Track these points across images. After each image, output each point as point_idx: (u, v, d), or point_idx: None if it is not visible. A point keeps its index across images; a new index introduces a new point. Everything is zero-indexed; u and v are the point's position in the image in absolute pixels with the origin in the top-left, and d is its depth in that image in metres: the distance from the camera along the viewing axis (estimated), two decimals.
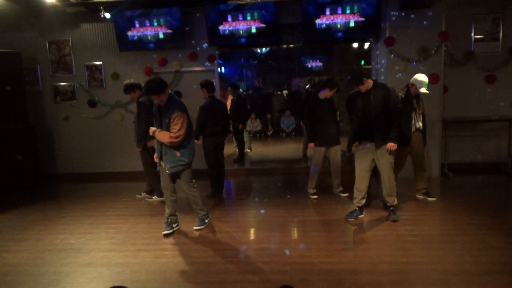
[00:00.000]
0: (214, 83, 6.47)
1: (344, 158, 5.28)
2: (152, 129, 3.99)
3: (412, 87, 4.51)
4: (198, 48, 6.56)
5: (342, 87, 9.80)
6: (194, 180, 4.17)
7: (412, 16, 5.85)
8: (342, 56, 12.60)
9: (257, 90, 12.06)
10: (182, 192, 4.27)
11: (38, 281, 3.25)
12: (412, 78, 4.53)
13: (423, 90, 4.40)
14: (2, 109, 6.11)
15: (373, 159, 4.20)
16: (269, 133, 11.19)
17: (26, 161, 6.35)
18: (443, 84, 5.99)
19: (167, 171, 3.95)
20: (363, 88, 4.08)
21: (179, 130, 3.79)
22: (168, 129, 3.84)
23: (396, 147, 4.03)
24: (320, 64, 13.77)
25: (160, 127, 3.94)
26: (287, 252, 3.60)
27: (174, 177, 4.07)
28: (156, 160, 4.12)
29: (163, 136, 3.85)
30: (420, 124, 4.66)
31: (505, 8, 6.03)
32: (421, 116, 4.68)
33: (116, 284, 3.15)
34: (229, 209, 5.14)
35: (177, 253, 3.69)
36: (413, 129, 4.62)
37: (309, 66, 13.87)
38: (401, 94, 4.52)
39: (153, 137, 4.10)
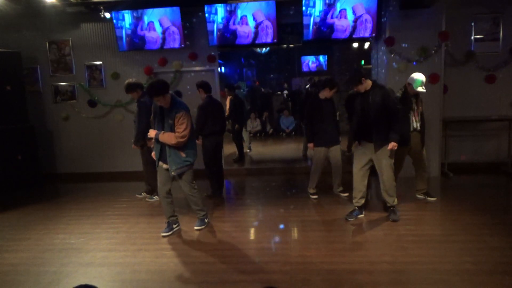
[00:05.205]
0: (215, 83, 6.51)
1: (344, 158, 5.27)
2: (153, 132, 3.91)
3: (409, 86, 4.51)
4: (198, 48, 6.56)
5: (342, 87, 9.83)
6: (194, 181, 4.17)
7: (412, 16, 5.84)
8: (342, 55, 12.62)
9: (254, 91, 12.01)
10: (181, 192, 4.27)
11: (38, 281, 3.25)
12: (409, 78, 4.53)
13: (420, 89, 4.39)
14: (2, 109, 6.11)
15: (370, 159, 4.20)
16: (270, 131, 11.20)
17: (26, 161, 6.35)
18: (443, 84, 5.98)
19: (173, 172, 3.92)
20: (361, 88, 4.07)
21: (184, 129, 3.77)
22: (172, 129, 3.82)
23: (397, 147, 4.03)
24: (320, 63, 13.78)
25: (162, 128, 3.90)
26: (287, 251, 3.60)
27: (175, 178, 4.06)
28: (154, 157, 4.11)
29: (168, 137, 3.81)
30: (418, 124, 4.65)
31: (505, 8, 6.03)
32: (419, 116, 4.66)
33: (116, 284, 3.16)
34: (229, 209, 5.14)
35: (177, 253, 3.69)
36: (411, 129, 4.61)
37: (309, 65, 13.87)
38: (398, 94, 4.51)
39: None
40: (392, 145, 4.00)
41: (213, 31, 6.20)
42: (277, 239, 3.95)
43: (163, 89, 3.72)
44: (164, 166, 3.98)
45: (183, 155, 3.90)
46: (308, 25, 5.95)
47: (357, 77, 4.04)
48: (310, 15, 5.89)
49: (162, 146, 3.94)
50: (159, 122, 3.94)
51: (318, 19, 5.90)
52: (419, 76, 4.41)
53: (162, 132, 3.87)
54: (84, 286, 1.54)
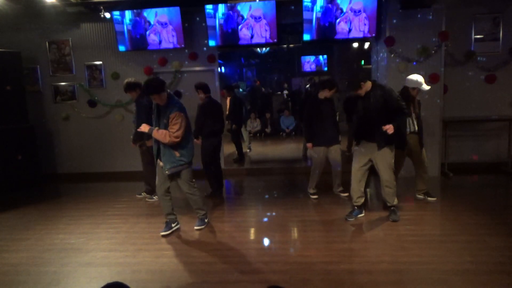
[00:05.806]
0: (215, 83, 6.51)
1: (344, 158, 5.27)
2: (146, 126, 3.89)
3: (413, 90, 4.48)
4: (198, 48, 6.56)
5: (342, 87, 9.81)
6: (194, 180, 4.17)
7: (412, 16, 5.85)
8: (342, 55, 12.62)
9: (254, 90, 12.00)
10: (180, 193, 4.27)
11: (38, 281, 3.25)
12: (408, 81, 4.48)
13: (425, 87, 4.41)
14: (2, 109, 6.11)
15: (369, 159, 4.20)
16: (268, 131, 11.21)
17: (26, 161, 6.34)
18: (443, 84, 5.99)
19: (167, 171, 3.93)
20: (362, 92, 4.08)
21: (178, 130, 3.77)
22: (166, 128, 3.82)
23: (393, 130, 3.88)
24: (320, 63, 13.78)
25: (158, 126, 3.91)
26: (288, 251, 3.60)
27: (173, 176, 4.06)
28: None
29: (161, 135, 3.81)
30: (416, 126, 4.65)
31: (505, 8, 6.03)
32: (416, 118, 4.65)
33: None
34: (229, 209, 5.14)
35: (177, 253, 3.69)
36: (409, 132, 4.59)
37: (309, 65, 13.87)
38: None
39: (151, 137, 4.08)
40: (389, 126, 3.86)
41: (214, 32, 6.19)
42: (277, 239, 3.95)
43: (159, 87, 3.73)
44: (161, 164, 3.99)
45: (178, 154, 3.89)
46: (309, 24, 5.95)
47: (356, 83, 4.05)
48: (311, 12, 5.88)
49: (159, 144, 3.94)
50: (156, 120, 3.96)
51: (318, 16, 5.89)
52: (420, 77, 4.42)
53: (157, 128, 3.87)
54: (116, 284, 1.49)
